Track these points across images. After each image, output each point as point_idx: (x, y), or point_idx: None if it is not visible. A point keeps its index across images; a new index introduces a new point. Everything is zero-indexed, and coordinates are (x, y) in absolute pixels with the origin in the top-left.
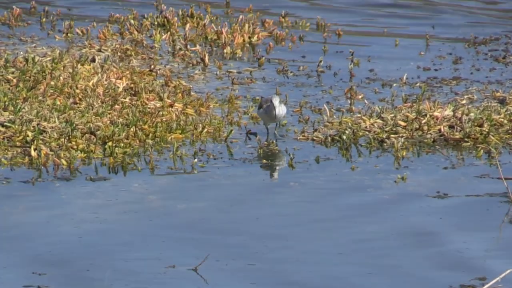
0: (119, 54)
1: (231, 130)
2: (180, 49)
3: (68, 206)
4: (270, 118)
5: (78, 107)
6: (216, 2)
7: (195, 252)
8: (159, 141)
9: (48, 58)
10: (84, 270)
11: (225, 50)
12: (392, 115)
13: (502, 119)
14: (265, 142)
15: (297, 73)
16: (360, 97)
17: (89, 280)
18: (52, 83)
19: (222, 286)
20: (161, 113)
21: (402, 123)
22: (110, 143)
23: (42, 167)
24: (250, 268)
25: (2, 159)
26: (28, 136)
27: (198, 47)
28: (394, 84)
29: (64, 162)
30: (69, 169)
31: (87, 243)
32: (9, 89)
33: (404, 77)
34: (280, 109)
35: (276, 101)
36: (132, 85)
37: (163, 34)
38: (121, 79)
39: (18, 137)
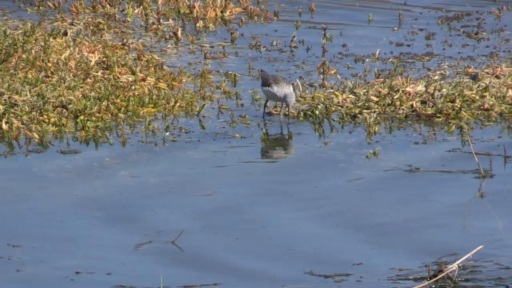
0: (91, 27)
1: (204, 105)
2: (153, 23)
3: (40, 179)
4: (275, 98)
5: (50, 81)
6: None
7: (170, 226)
8: (131, 115)
9: (20, 31)
10: (55, 243)
11: (197, 24)
12: (365, 90)
13: (474, 95)
14: (238, 117)
15: (270, 48)
16: (332, 72)
17: (59, 254)
18: (24, 56)
19: (201, 255)
20: (133, 87)
21: (375, 99)
22: (82, 117)
23: (14, 140)
24: (228, 232)
25: None
26: None
27: (170, 21)
28: (367, 60)
29: (36, 136)
30: (41, 142)
31: (59, 216)
32: None
33: (377, 53)
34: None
35: (289, 89)
36: (104, 59)
37: (135, 8)
38: (93, 52)
39: None
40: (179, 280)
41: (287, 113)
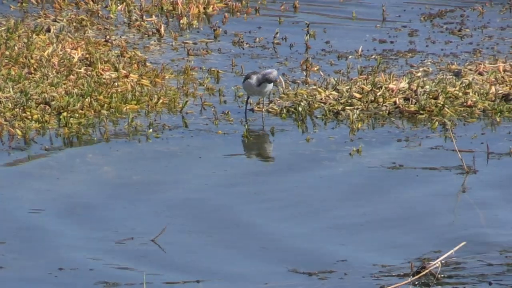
0: (74, 24)
1: (187, 101)
2: (136, 19)
3: (22, 176)
4: (255, 91)
5: (33, 77)
6: None
7: (152, 223)
8: (114, 112)
9: (3, 28)
10: (38, 239)
11: (181, 21)
12: (348, 87)
13: (457, 92)
14: (221, 113)
15: (252, 44)
16: (315, 69)
17: (42, 250)
18: (7, 53)
19: (184, 252)
20: (116, 83)
21: (358, 95)
22: (65, 114)
23: None
24: (211, 231)
25: None
26: None
27: (153, 18)
28: (350, 56)
29: (19, 132)
30: (24, 139)
31: (42, 213)
32: None
33: (360, 49)
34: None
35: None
36: (87, 56)
37: (118, 4)
38: (76, 49)
39: None
40: (161, 277)
41: (270, 109)
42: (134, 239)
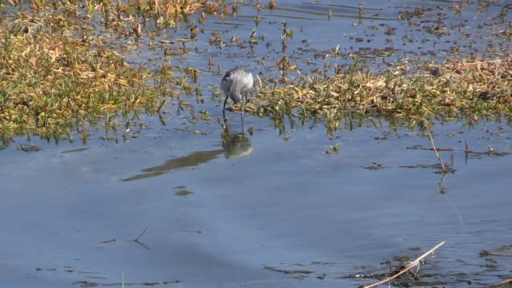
0: (52, 24)
1: (164, 101)
2: (113, 19)
3: (0, 176)
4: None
5: (10, 78)
6: None
7: (134, 222)
8: (92, 112)
9: None
10: (20, 239)
11: (158, 21)
12: (325, 86)
13: (435, 90)
14: (199, 113)
15: (229, 43)
16: (292, 67)
17: (22, 249)
18: None
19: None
20: (93, 83)
21: (335, 94)
22: (42, 114)
23: None
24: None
25: None
26: None
27: (130, 17)
28: (327, 55)
29: None
30: (2, 139)
31: (20, 213)
32: None
33: (337, 48)
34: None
35: (238, 75)
36: (65, 56)
37: (95, 4)
38: (53, 49)
39: None
40: (141, 277)
41: (247, 109)
42: (115, 240)
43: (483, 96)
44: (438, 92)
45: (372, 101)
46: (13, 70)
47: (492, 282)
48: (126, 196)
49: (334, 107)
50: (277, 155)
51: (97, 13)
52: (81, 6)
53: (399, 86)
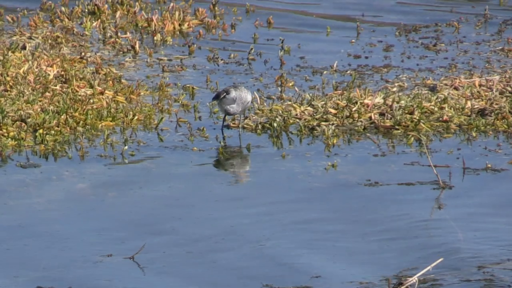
0: (49, 41)
1: (162, 118)
2: (111, 36)
3: None
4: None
5: (8, 95)
6: None
7: (130, 241)
8: (90, 129)
9: None
10: (19, 257)
11: (155, 38)
12: (323, 102)
13: (433, 107)
14: (197, 130)
15: (227, 60)
16: (290, 84)
17: (22, 266)
18: None
19: (159, 273)
20: (91, 100)
21: (333, 111)
22: (41, 131)
23: None
24: (186, 255)
25: None
26: None
27: (128, 34)
28: (325, 72)
29: None
30: (0, 156)
31: (18, 231)
32: None
33: (335, 65)
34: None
35: (232, 94)
36: (62, 73)
37: (93, 21)
38: (51, 66)
39: None
40: None
41: (245, 125)
42: (112, 255)
43: (481, 112)
44: (436, 109)
45: (370, 117)
46: (11, 87)
47: None
48: (122, 212)
49: (332, 124)
50: (274, 172)
51: (95, 30)
52: (79, 23)
53: (397, 102)
